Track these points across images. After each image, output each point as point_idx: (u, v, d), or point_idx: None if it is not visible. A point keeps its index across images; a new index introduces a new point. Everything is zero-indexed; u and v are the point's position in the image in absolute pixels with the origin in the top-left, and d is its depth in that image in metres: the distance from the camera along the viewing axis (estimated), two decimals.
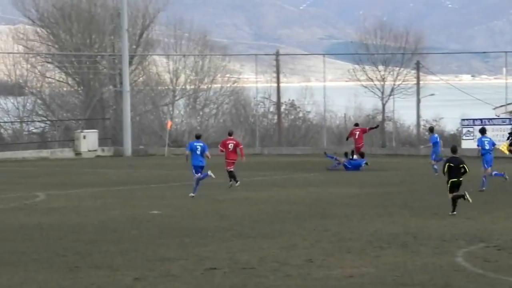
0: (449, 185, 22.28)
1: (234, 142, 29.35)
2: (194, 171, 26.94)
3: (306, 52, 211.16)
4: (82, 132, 46.92)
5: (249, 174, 34.67)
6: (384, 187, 29.28)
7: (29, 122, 52.84)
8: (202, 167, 26.96)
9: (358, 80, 52.67)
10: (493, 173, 28.51)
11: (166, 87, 54.43)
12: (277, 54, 53.39)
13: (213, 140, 52.53)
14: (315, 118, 52.58)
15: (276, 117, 52.66)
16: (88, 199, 26.48)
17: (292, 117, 53.82)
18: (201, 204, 25.09)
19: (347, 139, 39.01)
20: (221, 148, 29.35)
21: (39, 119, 53.74)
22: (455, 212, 22.08)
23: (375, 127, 41.87)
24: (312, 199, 26.10)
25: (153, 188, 29.75)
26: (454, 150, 23.16)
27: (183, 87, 54.53)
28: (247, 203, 25.31)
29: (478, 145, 28.48)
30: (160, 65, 55.98)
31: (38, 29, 54.53)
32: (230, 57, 59.28)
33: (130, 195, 27.64)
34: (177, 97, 54.55)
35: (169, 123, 47.00)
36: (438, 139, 34.52)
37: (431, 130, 36.47)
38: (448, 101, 58.53)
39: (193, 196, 26.52)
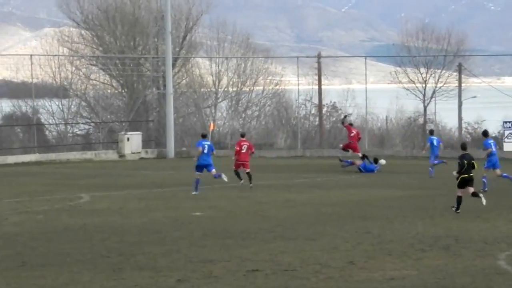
0: (459, 181, 22.69)
1: (248, 144, 30.13)
2: (196, 169, 27.91)
3: (348, 55, 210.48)
4: (126, 134, 47.26)
5: (291, 176, 34.76)
6: (425, 190, 29.17)
7: (73, 124, 53.34)
8: (206, 166, 27.92)
9: (400, 82, 52.44)
10: (503, 174, 28.66)
11: (209, 89, 54.65)
12: (319, 56, 53.31)
13: (255, 142, 52.71)
14: (357, 121, 52.35)
15: (317, 119, 52.59)
16: (132, 201, 26.72)
17: (334, 119, 53.70)
18: (243, 205, 25.19)
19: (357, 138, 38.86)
20: (237, 148, 30.18)
21: (84, 121, 54.23)
22: (459, 211, 22.57)
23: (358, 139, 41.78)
24: (353, 201, 26.09)
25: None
26: (464, 147, 23.46)
27: (226, 89, 54.72)
28: (288, 205, 25.37)
29: (485, 148, 28.59)
30: (203, 67, 56.21)
31: (83, 32, 55.05)
32: (272, 59, 59.32)
33: (172, 197, 27.84)
34: (220, 99, 54.75)
35: (212, 125, 47.19)
36: (435, 142, 34.53)
37: (431, 132, 36.60)
38: (490, 104, 58.01)
39: (196, 194, 27.29)
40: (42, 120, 52.79)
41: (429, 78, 51.96)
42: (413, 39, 54.68)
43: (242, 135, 31.40)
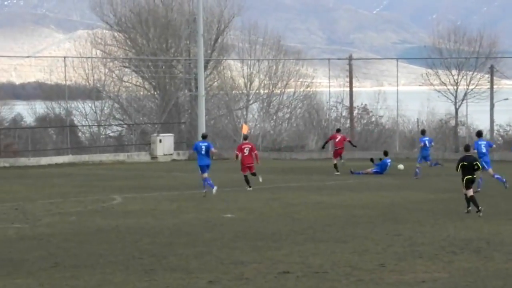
0: (464, 182, 23.30)
1: (250, 147, 30.35)
2: (200, 170, 28.23)
3: (379, 57, 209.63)
4: (158, 136, 47.49)
5: (322, 178, 34.73)
6: (456, 193, 28.96)
7: (106, 126, 53.70)
8: (207, 166, 28.17)
9: (431, 84, 52.27)
10: (495, 175, 28.94)
11: (240, 92, 54.81)
12: (350, 58, 53.28)
13: (286, 144, 52.75)
14: (388, 123, 52.29)
15: (348, 121, 52.53)
16: (164, 202, 26.83)
17: (365, 121, 53.64)
18: (274, 207, 25.21)
19: (323, 146, 39.00)
20: (237, 152, 30.37)
21: (116, 123, 54.59)
22: (470, 208, 23.10)
23: (353, 146, 42.03)
24: (384, 203, 26.01)
25: (227, 192, 29.96)
26: (467, 149, 23.99)
27: (257, 91, 54.83)
28: (319, 207, 25.35)
29: (474, 149, 28.67)
30: (235, 69, 56.40)
31: (116, 34, 55.42)
32: (304, 61, 59.36)
33: (204, 198, 27.93)
34: (251, 102, 54.87)
35: (245, 127, 47.24)
36: (427, 143, 34.72)
37: (423, 132, 36.74)
38: None
39: (205, 192, 27.70)
40: (75, 122, 53.22)
41: (460, 80, 51.69)
42: (444, 41, 54.44)
43: (245, 138, 31.50)
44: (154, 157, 46.87)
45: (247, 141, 30.83)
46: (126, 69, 54.98)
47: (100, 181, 34.47)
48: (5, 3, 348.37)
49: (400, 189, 30.42)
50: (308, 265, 16.09)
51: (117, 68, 54.60)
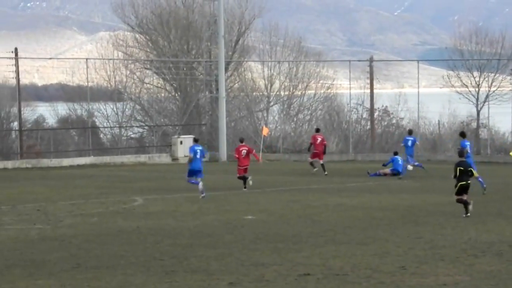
0: (457, 188, 23.25)
1: (247, 149, 30.83)
2: (189, 174, 28.43)
3: (400, 58, 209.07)
4: (179, 137, 47.62)
5: (342, 180, 34.70)
6: (478, 195, 28.90)
7: (127, 127, 53.89)
8: (200, 171, 28.38)
9: (453, 86, 51.93)
10: (478, 178, 28.78)
11: (261, 93, 54.83)
12: (371, 60, 53.13)
13: (306, 146, 52.67)
14: (409, 125, 52.01)
15: (369, 123, 52.42)
16: (184, 204, 26.91)
17: (385, 123, 53.48)
18: (294, 209, 25.23)
19: (309, 149, 38.88)
20: (236, 155, 30.88)
21: (138, 125, 54.77)
22: (469, 214, 22.93)
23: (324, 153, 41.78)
24: (405, 206, 25.96)
25: (247, 194, 30.00)
26: (461, 154, 23.97)
27: (278, 93, 54.83)
28: (340, 209, 25.34)
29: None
30: (255, 71, 56.41)
31: (137, 36, 55.62)
32: (324, 63, 59.31)
33: (225, 200, 27.98)
34: (272, 103, 54.89)
35: (266, 129, 47.23)
36: (410, 143, 34.93)
37: (409, 132, 37.01)
38: None
39: (203, 194, 27.80)
40: (97, 123, 53.45)
41: (482, 82, 51.35)
42: (466, 42, 54.11)
43: (241, 141, 31.82)
44: (175, 159, 46.99)
45: (243, 144, 31.26)
46: (147, 71, 55.14)
47: (121, 183, 34.62)
48: (28, 5, 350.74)
49: (420, 192, 30.35)
50: (328, 267, 16.09)
51: (139, 69, 54.78)
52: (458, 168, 23.29)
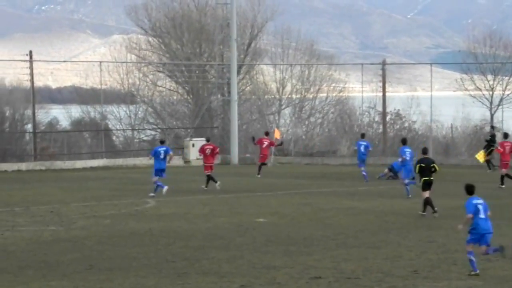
0: (421, 184, 24.44)
1: (212, 147, 32.25)
2: (154, 173, 29.81)
3: (413, 61, 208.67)
4: (191, 140, 47.67)
5: (354, 184, 34.66)
6: (492, 199, 28.60)
7: (140, 130, 53.98)
8: (163, 170, 29.84)
9: (466, 89, 51.56)
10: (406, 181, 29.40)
11: (273, 96, 54.79)
12: (384, 63, 52.94)
13: (318, 149, 52.62)
14: (421, 128, 51.89)
15: (381, 126, 52.27)
16: (196, 206, 26.96)
17: (398, 126, 53.31)
18: (306, 212, 25.24)
19: (254, 143, 39.50)
20: (200, 153, 32.75)
21: (150, 127, 54.85)
22: (425, 213, 23.89)
23: (280, 144, 43.04)
24: (417, 210, 25.86)
25: (259, 196, 30.03)
26: (424, 151, 25.14)
27: (289, 96, 54.80)
28: (351, 212, 25.33)
29: (400, 155, 29.64)
30: (267, 74, 56.38)
31: (150, 39, 55.72)
32: (336, 66, 59.22)
33: (236, 202, 28.00)
34: (283, 106, 54.86)
35: (277, 132, 47.19)
36: (363, 148, 35.21)
37: (362, 136, 37.53)
38: None
39: (153, 196, 28.96)
40: (110, 126, 53.54)
41: (496, 85, 51.03)
42: (480, 45, 53.73)
43: (207, 140, 33.53)
44: (187, 161, 47.04)
45: (209, 143, 32.74)
46: (160, 74, 55.24)
47: (134, 185, 34.73)
48: (43, 8, 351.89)
49: (433, 195, 30.19)
50: (340, 270, 16.11)
51: (151, 72, 54.89)
52: (419, 165, 24.38)
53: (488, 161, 40.57)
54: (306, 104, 54.86)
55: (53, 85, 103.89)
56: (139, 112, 53.54)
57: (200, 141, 47.70)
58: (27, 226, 22.79)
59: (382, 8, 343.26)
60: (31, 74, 46.51)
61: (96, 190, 32.45)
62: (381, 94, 51.31)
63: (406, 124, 53.80)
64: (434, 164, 24.67)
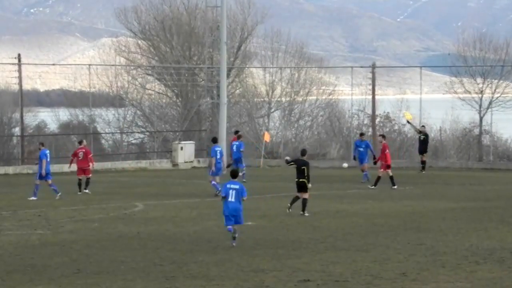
0: (296, 184, 24.67)
1: (84, 151, 32.24)
2: (39, 176, 30.61)
3: (403, 64, 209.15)
4: (179, 143, 47.60)
5: (343, 187, 34.65)
6: (480, 202, 28.86)
7: (128, 133, 53.84)
8: (49, 174, 30.77)
9: (455, 92, 51.54)
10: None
11: (262, 99, 54.75)
12: (373, 66, 52.91)
13: (307, 152, 52.53)
14: (410, 131, 51.92)
15: (370, 129, 52.26)
16: (185, 210, 26.90)
17: (387, 129, 53.30)
18: (295, 215, 25.17)
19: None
20: (73, 157, 32.75)
21: (139, 131, 54.71)
22: (290, 210, 24.25)
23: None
24: (406, 212, 25.89)
25: (247, 200, 29.87)
26: (302, 153, 25.32)
27: (279, 99, 54.77)
28: (340, 215, 25.29)
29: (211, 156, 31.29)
30: (257, 77, 56.31)
31: (140, 42, 55.60)
32: (326, 69, 59.24)
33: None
34: (273, 109, 54.83)
35: (267, 135, 47.10)
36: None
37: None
38: None
39: (34, 200, 29.65)
40: (98, 129, 53.39)
41: (485, 89, 50.99)
42: (469, 48, 53.63)
43: (80, 142, 33.50)
44: (175, 165, 46.97)
45: (82, 146, 32.60)
46: (149, 77, 55.11)
47: (122, 188, 34.64)
48: (31, 10, 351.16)
49: (422, 198, 30.27)
50: (328, 273, 16.06)
51: (140, 75, 54.74)
52: (290, 164, 24.80)
53: (423, 162, 41.33)
54: (295, 107, 54.83)
55: (41, 88, 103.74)
56: (128, 115, 53.39)
57: (188, 144, 47.69)
58: (14, 230, 22.69)
59: (372, 11, 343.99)
60: (20, 77, 46.33)
61: (84, 193, 32.31)
62: (370, 97, 51.36)
63: (396, 127, 53.87)
64: (305, 167, 24.48)
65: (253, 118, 53.98)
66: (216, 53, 51.55)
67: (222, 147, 47.29)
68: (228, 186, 19.66)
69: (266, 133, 48.45)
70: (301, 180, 24.58)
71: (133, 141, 54.93)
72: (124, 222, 23.96)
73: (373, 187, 33.26)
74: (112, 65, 53.41)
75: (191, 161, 47.07)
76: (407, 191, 33.25)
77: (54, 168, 44.69)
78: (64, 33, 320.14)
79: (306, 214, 24.53)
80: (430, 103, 51.28)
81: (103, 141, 54.19)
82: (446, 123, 53.07)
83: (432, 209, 26.84)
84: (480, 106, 50.39)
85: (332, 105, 55.04)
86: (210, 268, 16.69)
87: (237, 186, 19.66)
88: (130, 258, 17.84)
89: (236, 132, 38.86)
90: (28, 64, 61.49)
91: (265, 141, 47.47)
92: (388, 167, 33.10)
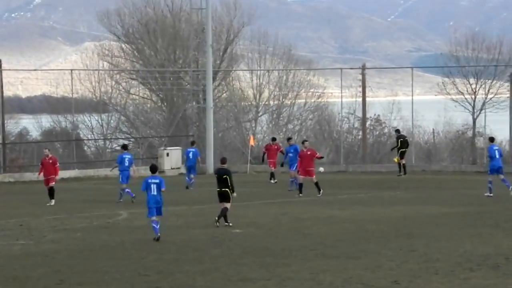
0: (218, 195, 24.06)
1: (52, 160, 32.02)
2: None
3: (394, 65, 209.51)
4: (165, 149, 46.90)
5: (333, 192, 34.22)
6: (474, 206, 28.50)
7: (112, 140, 53.22)
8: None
9: (448, 93, 50.95)
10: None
11: (249, 103, 54.25)
12: (363, 68, 52.34)
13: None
14: (402, 133, 51.50)
15: (361, 133, 51.78)
16: (170, 218, 26.40)
17: (377, 132, 52.90)
18: (284, 222, 24.87)
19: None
20: (41, 166, 32.38)
21: (123, 136, 54.05)
22: (217, 224, 23.52)
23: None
24: (398, 218, 25.58)
25: (234, 207, 29.40)
26: (222, 161, 24.50)
27: (267, 102, 54.31)
28: (331, 221, 24.98)
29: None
30: (244, 80, 55.82)
31: (123, 45, 55.14)
32: (315, 71, 58.84)
33: (211, 213, 27.39)
34: (260, 113, 54.35)
35: (252, 139, 46.64)
36: (191, 155, 36.55)
37: (192, 143, 38.94)
38: None
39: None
40: (81, 136, 52.83)
41: (479, 89, 50.45)
42: (462, 48, 53.02)
43: (46, 150, 33.13)
44: (161, 171, 46.27)
45: (50, 156, 32.26)
46: (133, 81, 54.63)
47: (106, 196, 34.27)
48: (13, 15, 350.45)
49: (414, 203, 29.88)
50: (318, 282, 15.80)
51: (124, 80, 54.22)
52: (216, 175, 24.19)
53: (402, 165, 40.94)
54: (284, 110, 54.37)
55: (23, 94, 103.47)
56: (112, 121, 52.85)
57: (175, 150, 46.98)
58: None
59: (362, 11, 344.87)
60: (0, 84, 45.65)
61: (67, 202, 31.97)
62: (361, 99, 50.74)
63: (386, 130, 53.34)
64: (227, 176, 23.64)
65: (240, 123, 53.48)
66: (202, 56, 51.04)
67: (210, 152, 47.00)
68: (149, 181, 21.98)
69: (251, 137, 47.97)
70: (223, 189, 23.76)
71: (117, 148, 54.33)
72: (108, 231, 23.68)
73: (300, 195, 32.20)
74: (95, 69, 52.88)
75: (178, 168, 46.34)
76: (398, 196, 32.87)
77: (36, 176, 44.21)
78: (46, 37, 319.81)
79: (231, 224, 23.75)
80: (422, 105, 50.92)
81: (86, 148, 53.58)
82: (439, 125, 52.66)
83: (425, 214, 26.53)
84: (474, 107, 49.88)
85: (322, 108, 54.57)
86: (196, 278, 16.44)
87: (157, 180, 22.08)
88: (114, 268, 17.63)
89: (193, 142, 39.23)
90: (9, 70, 60.79)
91: (251, 145, 46.97)
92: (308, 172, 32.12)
